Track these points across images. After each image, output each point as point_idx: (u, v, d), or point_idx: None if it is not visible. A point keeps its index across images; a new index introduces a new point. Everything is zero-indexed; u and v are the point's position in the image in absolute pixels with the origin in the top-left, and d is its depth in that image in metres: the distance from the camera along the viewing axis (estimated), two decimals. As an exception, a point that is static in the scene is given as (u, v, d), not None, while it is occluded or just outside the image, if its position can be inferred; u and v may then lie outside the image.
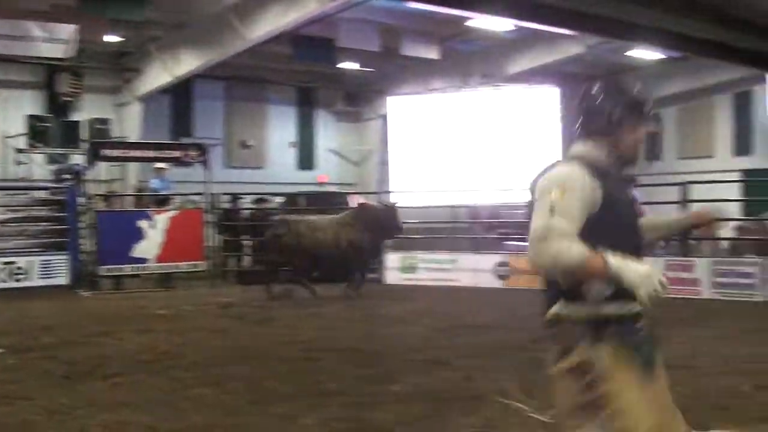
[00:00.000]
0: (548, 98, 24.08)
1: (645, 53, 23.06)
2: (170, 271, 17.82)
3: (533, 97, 24.28)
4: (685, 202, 16.81)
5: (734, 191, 21.48)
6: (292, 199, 20.99)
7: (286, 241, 15.60)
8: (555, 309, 3.32)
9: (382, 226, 15.85)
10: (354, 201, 19.62)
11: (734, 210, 19.81)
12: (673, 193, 17.15)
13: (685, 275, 15.63)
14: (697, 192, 17.15)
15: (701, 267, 15.69)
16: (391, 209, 16.31)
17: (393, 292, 16.54)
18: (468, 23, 20.34)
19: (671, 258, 16.47)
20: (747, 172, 23.50)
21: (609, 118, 3.36)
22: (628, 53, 23.12)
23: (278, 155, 26.59)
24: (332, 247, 15.57)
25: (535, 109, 23.99)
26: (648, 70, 24.39)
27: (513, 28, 20.22)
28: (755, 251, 16.66)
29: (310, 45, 21.26)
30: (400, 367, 8.52)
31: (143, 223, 17.56)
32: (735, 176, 22.93)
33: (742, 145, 25.52)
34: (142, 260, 17.40)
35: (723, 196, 18.37)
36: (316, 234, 15.71)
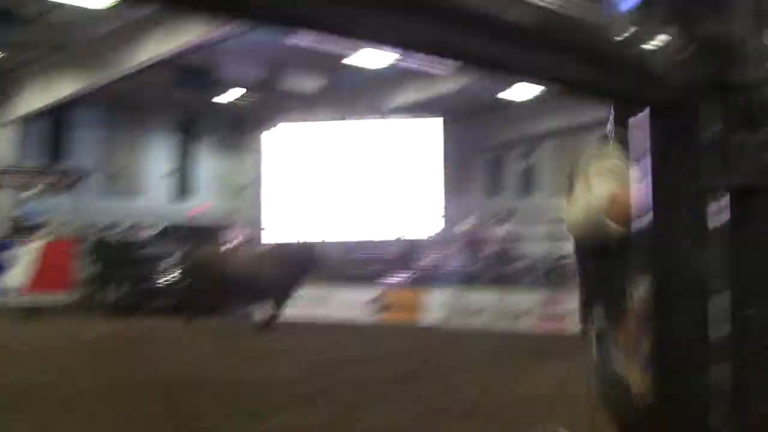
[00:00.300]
0: (431, 131, 24.40)
1: (521, 90, 23.63)
2: (37, 303, 17.30)
3: (416, 130, 24.57)
4: (558, 237, 17.17)
5: (606, 227, 22.04)
6: (168, 229, 20.72)
7: (195, 272, 15.52)
8: None
9: (300, 263, 15.85)
10: (234, 232, 19.48)
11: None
12: (547, 228, 17.52)
13: (558, 310, 15.92)
14: (570, 228, 17.53)
15: (573, 301, 16.02)
16: (310, 246, 16.36)
17: (247, 330, 16.42)
18: (350, 56, 20.49)
19: (543, 292, 16.78)
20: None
21: None
22: (505, 90, 23.64)
23: (156, 184, 26.25)
24: (244, 281, 15.48)
25: (416, 142, 24.26)
26: (524, 107, 24.99)
27: (393, 62, 20.45)
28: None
29: (192, 74, 21.12)
30: (272, 403, 8.41)
31: (8, 254, 17.04)
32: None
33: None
34: (5, 292, 16.85)
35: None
36: (226, 267, 15.61)
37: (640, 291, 3.09)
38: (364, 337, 14.73)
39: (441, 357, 12.05)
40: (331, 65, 21.77)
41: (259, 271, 15.55)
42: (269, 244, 17.07)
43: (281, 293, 15.77)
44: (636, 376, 2.93)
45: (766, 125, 0.89)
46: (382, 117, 24.12)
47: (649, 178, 0.88)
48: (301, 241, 16.96)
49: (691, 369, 0.87)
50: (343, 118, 24.43)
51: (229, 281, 15.50)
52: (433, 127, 24.13)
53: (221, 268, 15.62)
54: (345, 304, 17.46)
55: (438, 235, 22.62)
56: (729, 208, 0.91)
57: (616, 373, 3.03)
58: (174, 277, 16.30)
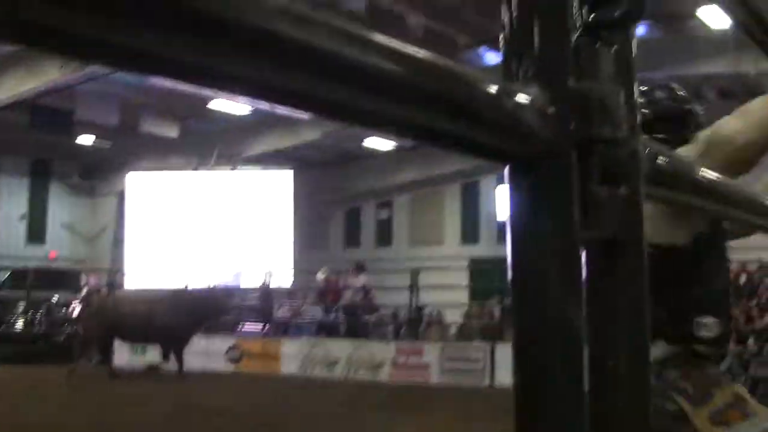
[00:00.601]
0: (282, 182, 24.34)
1: (379, 141, 23.89)
2: None
3: (268, 181, 24.47)
4: (415, 287, 17.36)
5: (462, 278, 22.41)
6: (19, 274, 19.99)
7: (88, 315, 15.13)
8: (660, 350, 3.01)
9: (204, 310, 15.49)
10: (88, 278, 18.98)
11: (462, 296, 20.64)
12: (404, 278, 17.67)
13: (414, 360, 16.03)
14: (426, 278, 17.74)
15: (430, 352, 16.15)
16: (215, 293, 16.06)
17: (123, 375, 15.98)
18: (209, 104, 20.36)
19: (400, 343, 16.89)
20: (474, 260, 24.65)
21: None
22: (364, 141, 23.86)
23: (7, 228, 25.30)
24: (140, 326, 15.12)
25: (268, 193, 24.17)
26: (382, 158, 25.24)
27: (252, 109, 20.42)
28: (482, 336, 17.38)
29: (48, 115, 20.58)
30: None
31: None
32: (463, 263, 23.97)
33: (470, 233, 26.77)
34: None
35: (451, 282, 19.10)
36: (123, 311, 15.21)
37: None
38: (222, 386, 14.48)
39: (297, 407, 11.95)
40: (193, 110, 21.57)
41: (154, 316, 15.22)
42: (168, 290, 16.70)
43: (176, 339, 15.45)
44: (702, 423, 2.93)
45: (628, 181, 0.95)
46: (236, 167, 23.97)
47: (513, 231, 0.91)
48: (202, 288, 16.70)
49: (563, 420, 0.89)
50: (198, 168, 24.16)
51: (121, 327, 15.16)
52: (285, 177, 24.09)
53: (113, 314, 15.25)
54: (203, 352, 17.19)
55: (295, 285, 22.51)
56: (591, 262, 0.95)
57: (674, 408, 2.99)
58: (24, 322, 15.74)
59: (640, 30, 18.50)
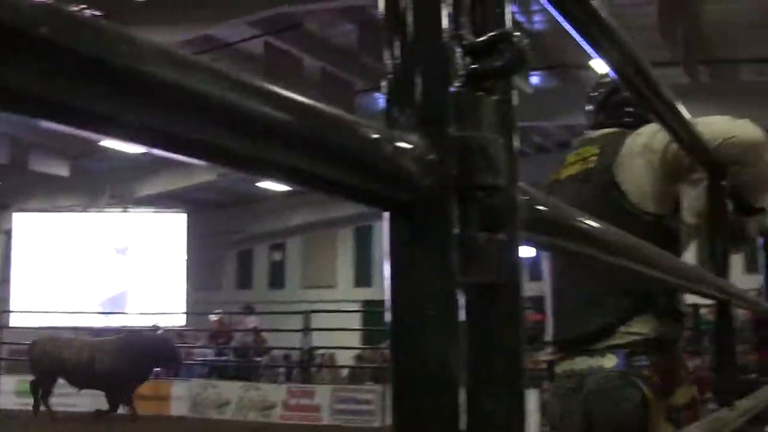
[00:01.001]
0: (175, 224, 24.02)
1: (274, 184, 23.82)
2: None
3: (159, 223, 24.12)
4: (307, 330, 17.29)
5: (355, 321, 22.42)
6: None
7: (33, 357, 14.79)
8: (646, 327, 2.98)
9: (153, 354, 15.01)
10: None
11: (355, 339, 20.64)
12: (296, 321, 17.59)
13: (305, 402, 15.93)
14: (319, 321, 17.69)
15: (322, 394, 16.08)
16: (165, 337, 15.62)
17: (10, 418, 15.49)
18: (102, 141, 20.04)
19: (292, 385, 16.77)
20: (366, 303, 24.69)
21: None
22: (258, 183, 23.77)
23: None
24: (82, 370, 14.67)
25: (161, 235, 23.82)
26: (276, 201, 25.18)
27: (146, 149, 20.20)
28: (374, 379, 17.40)
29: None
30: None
31: None
32: (355, 306, 23.99)
33: (363, 276, 26.83)
34: None
35: (344, 326, 19.09)
36: (64, 354, 14.76)
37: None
38: (113, 428, 14.15)
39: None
40: (85, 148, 21.21)
41: (100, 361, 14.81)
42: (117, 333, 16.31)
43: (123, 385, 15.00)
44: (658, 417, 2.92)
45: (507, 227, 0.97)
46: (127, 208, 23.60)
47: (393, 275, 0.92)
48: (151, 330, 16.30)
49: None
50: (89, 209, 23.70)
51: (64, 370, 14.84)
52: (178, 219, 23.81)
53: (57, 356, 14.90)
54: (90, 392, 16.75)
55: (186, 326, 22.20)
56: (470, 306, 0.97)
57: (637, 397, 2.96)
58: None
59: (535, 79, 19.00)
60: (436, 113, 0.92)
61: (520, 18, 15.76)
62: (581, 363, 3.02)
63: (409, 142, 0.88)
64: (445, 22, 0.95)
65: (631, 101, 3.22)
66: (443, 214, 0.90)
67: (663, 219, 3.06)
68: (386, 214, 0.92)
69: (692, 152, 2.59)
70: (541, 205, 1.16)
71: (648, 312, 3.00)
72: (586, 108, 3.52)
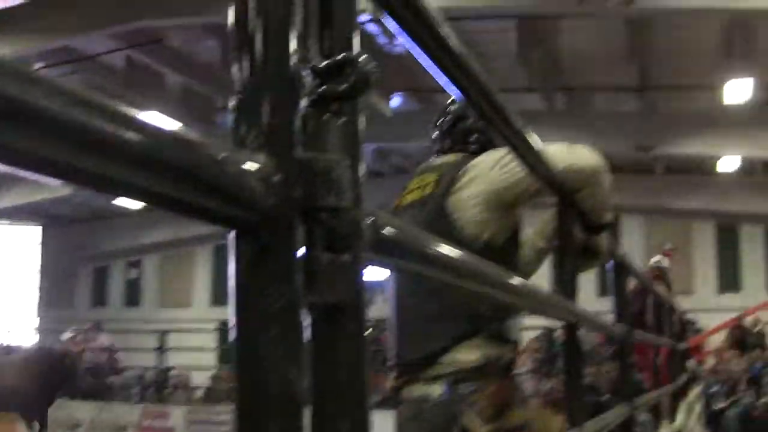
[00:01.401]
0: (29, 238, 23.31)
1: (130, 200, 23.36)
2: None
3: (12, 236, 23.35)
4: (162, 349, 16.98)
5: (211, 340, 22.15)
6: None
7: None
8: (477, 352, 2.99)
9: (58, 375, 13.90)
10: None
11: (211, 359, 20.38)
12: (152, 340, 17.26)
13: (160, 423, 15.64)
14: (174, 339, 17.41)
15: (176, 415, 15.82)
16: (69, 355, 14.57)
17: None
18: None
19: (146, 405, 16.43)
20: (223, 323, 24.43)
21: None
22: (115, 199, 23.26)
23: None
24: None
25: (13, 248, 23.06)
26: (133, 217, 24.70)
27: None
28: (230, 399, 17.17)
29: None
30: None
31: None
32: (211, 326, 23.71)
33: (220, 295, 26.55)
34: None
35: (199, 345, 18.84)
36: None
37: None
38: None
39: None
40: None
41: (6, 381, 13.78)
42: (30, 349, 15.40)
43: (29, 409, 13.99)
44: None
45: (351, 248, 0.98)
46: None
47: (238, 295, 0.92)
48: (48, 349, 15.31)
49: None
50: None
51: None
52: (32, 233, 23.11)
53: None
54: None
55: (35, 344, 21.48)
56: (315, 326, 0.97)
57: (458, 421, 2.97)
58: None
59: (396, 102, 19.22)
60: (283, 134, 0.93)
61: (382, 41, 15.93)
62: (418, 390, 3.04)
63: (255, 162, 0.89)
64: (293, 44, 0.96)
65: (476, 128, 3.30)
66: (288, 234, 0.91)
67: (496, 246, 3.11)
68: (232, 234, 0.92)
69: (540, 178, 2.66)
70: (387, 227, 1.18)
71: (477, 337, 3.03)
72: (432, 134, 3.58)
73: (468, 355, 3.02)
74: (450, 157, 3.39)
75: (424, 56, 1.52)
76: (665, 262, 11.86)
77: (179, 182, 0.81)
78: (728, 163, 22.23)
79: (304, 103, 0.96)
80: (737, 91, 16.84)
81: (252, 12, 0.95)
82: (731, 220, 24.54)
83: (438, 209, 3.13)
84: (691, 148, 19.39)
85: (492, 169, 3.10)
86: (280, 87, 0.95)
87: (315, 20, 1.02)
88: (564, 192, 2.87)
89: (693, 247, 23.41)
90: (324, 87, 0.97)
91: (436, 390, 2.99)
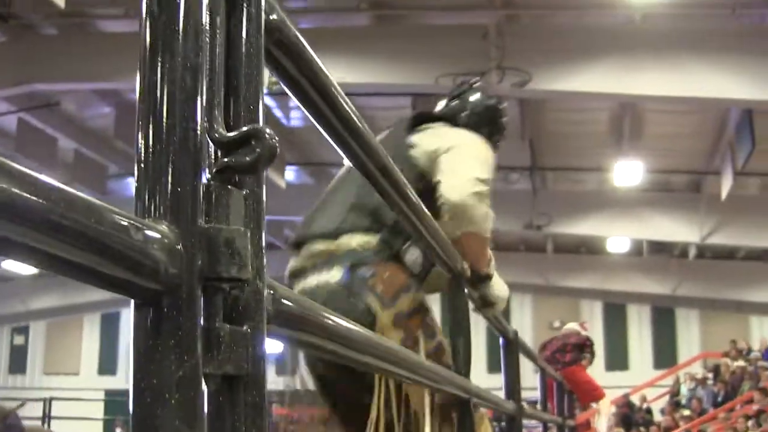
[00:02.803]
0: None
1: (18, 265, 22.77)
2: None
3: None
4: (47, 418, 16.45)
5: (97, 409, 21.57)
6: None
7: None
8: (375, 239, 3.08)
9: None
10: None
11: (97, 428, 19.82)
12: (37, 409, 16.70)
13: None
14: (60, 408, 16.90)
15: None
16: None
17: None
18: None
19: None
20: (110, 392, 23.85)
21: None
22: (1, 263, 22.63)
23: None
24: None
25: None
26: (20, 283, 24.05)
27: None
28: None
29: None
30: None
31: None
32: (99, 395, 23.11)
33: (108, 364, 25.93)
34: None
35: (86, 414, 18.32)
36: None
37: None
38: None
39: None
40: None
41: None
42: None
43: None
44: (386, 324, 2.98)
45: (252, 320, 0.98)
46: None
47: (137, 363, 0.91)
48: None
49: None
50: None
51: None
52: None
53: None
54: None
55: None
56: (214, 396, 0.97)
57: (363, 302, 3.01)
58: None
59: (291, 175, 19.27)
60: (186, 204, 0.93)
61: (277, 114, 16.00)
62: (312, 281, 3.08)
63: (157, 231, 0.89)
64: (199, 114, 0.96)
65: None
66: (189, 304, 0.90)
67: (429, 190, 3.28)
68: (132, 302, 0.91)
69: (438, 258, 2.71)
70: (287, 300, 1.19)
71: (377, 233, 3.12)
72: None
73: (367, 239, 3.09)
74: None
75: (324, 130, 1.54)
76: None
77: (82, 248, 0.80)
78: (617, 244, 22.83)
79: (208, 173, 0.97)
80: (626, 173, 17.37)
81: (159, 80, 0.96)
82: (619, 299, 25.14)
83: (403, 136, 3.36)
84: (581, 228, 19.86)
85: (470, 146, 3.29)
86: (185, 156, 0.95)
87: (221, 91, 1.03)
88: (456, 272, 2.92)
89: (582, 326, 23.83)
90: (229, 158, 0.98)
91: (334, 276, 3.03)
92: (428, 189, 3.14)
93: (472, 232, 3.18)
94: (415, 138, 3.34)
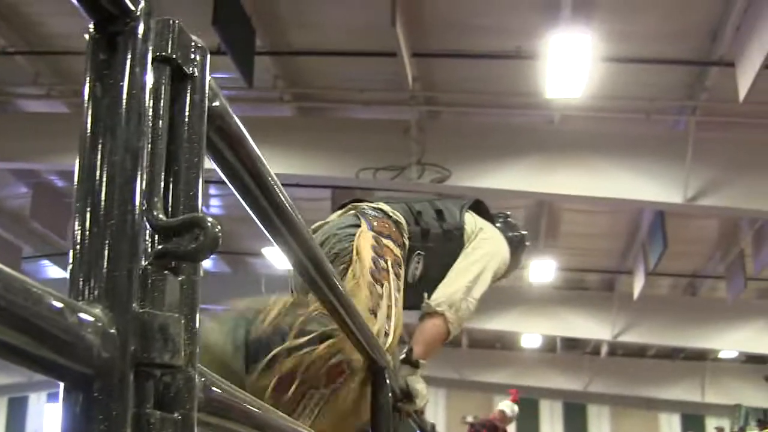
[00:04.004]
0: None
1: None
2: None
3: None
4: None
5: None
6: None
7: None
8: None
9: None
10: None
11: None
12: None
13: None
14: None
15: None
16: None
17: None
18: None
19: None
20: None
21: None
22: None
23: None
24: None
25: None
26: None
27: None
28: None
29: None
30: None
31: None
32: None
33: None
34: None
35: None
36: None
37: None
38: None
39: None
40: None
41: None
42: None
43: None
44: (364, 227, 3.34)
45: (183, 407, 0.97)
46: None
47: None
48: None
49: None
50: None
51: None
52: None
53: None
54: None
55: None
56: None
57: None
58: None
59: (208, 263, 19.13)
60: (121, 288, 0.92)
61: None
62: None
63: (91, 315, 0.88)
64: (138, 199, 0.96)
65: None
66: (120, 389, 0.89)
67: None
68: (62, 385, 0.89)
69: (363, 352, 2.72)
70: (217, 388, 1.18)
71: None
72: None
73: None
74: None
75: (261, 219, 1.55)
76: (515, 407, 11.90)
77: (12, 329, 0.79)
78: (531, 340, 23.04)
79: (144, 258, 0.96)
80: (541, 271, 17.63)
81: (99, 161, 0.95)
82: (532, 395, 25.26)
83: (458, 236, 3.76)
84: (496, 324, 20.00)
85: (496, 245, 3.84)
86: (122, 240, 0.94)
87: (161, 176, 1.02)
88: (379, 368, 2.93)
89: (495, 421, 23.83)
90: (168, 245, 0.97)
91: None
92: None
93: (447, 317, 3.45)
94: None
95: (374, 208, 3.59)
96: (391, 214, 3.57)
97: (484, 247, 3.75)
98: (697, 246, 16.90)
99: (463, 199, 4.08)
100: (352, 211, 3.59)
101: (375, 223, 3.44)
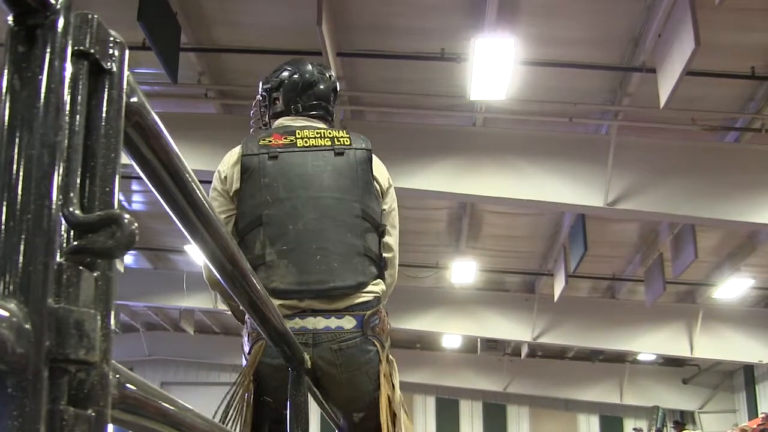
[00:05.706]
0: None
1: None
2: None
3: None
4: None
5: None
6: None
7: None
8: (378, 287, 3.42)
9: None
10: None
11: None
12: None
13: None
14: None
15: None
16: None
17: None
18: None
19: None
20: None
21: None
22: None
23: None
24: None
25: None
26: None
27: None
28: None
29: None
30: None
31: None
32: None
33: None
34: None
35: None
36: None
37: None
38: None
39: None
40: None
41: None
42: None
43: None
44: (383, 358, 3.36)
45: (96, 403, 0.96)
46: None
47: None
48: None
49: None
50: None
51: None
52: None
53: None
54: None
55: None
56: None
57: None
58: None
59: (129, 260, 18.86)
60: (37, 283, 0.92)
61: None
62: (316, 323, 3.24)
63: (5, 310, 0.87)
64: (54, 193, 0.95)
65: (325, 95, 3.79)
66: (34, 385, 0.88)
67: None
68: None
69: (283, 352, 2.75)
70: (132, 384, 1.17)
71: (380, 276, 3.49)
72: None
73: (380, 287, 3.43)
74: (319, 123, 3.74)
75: (177, 215, 1.54)
76: None
77: None
78: (451, 341, 23.19)
79: (60, 254, 0.95)
80: (462, 272, 17.74)
81: (16, 156, 0.94)
82: (452, 395, 25.43)
83: (366, 171, 3.69)
84: (417, 324, 20.08)
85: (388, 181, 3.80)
86: (38, 234, 0.93)
87: (77, 171, 1.02)
88: (297, 363, 2.94)
89: (414, 420, 23.95)
90: (83, 241, 0.97)
91: (348, 323, 3.27)
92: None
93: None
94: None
95: (374, 297, 3.50)
96: None
97: None
98: (617, 249, 17.18)
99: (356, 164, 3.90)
100: None
101: (382, 333, 3.44)
